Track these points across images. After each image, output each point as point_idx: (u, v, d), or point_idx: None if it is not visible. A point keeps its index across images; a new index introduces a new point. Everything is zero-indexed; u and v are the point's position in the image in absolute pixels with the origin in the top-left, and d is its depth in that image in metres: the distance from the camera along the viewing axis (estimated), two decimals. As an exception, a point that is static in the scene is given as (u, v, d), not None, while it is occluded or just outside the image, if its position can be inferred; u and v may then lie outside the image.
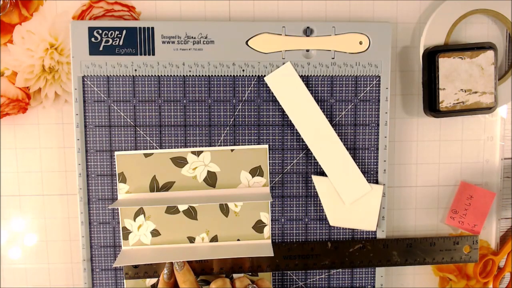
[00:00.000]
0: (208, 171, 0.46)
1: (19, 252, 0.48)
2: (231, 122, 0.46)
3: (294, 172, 0.47)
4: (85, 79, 0.45)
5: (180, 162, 0.46)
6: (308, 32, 0.45)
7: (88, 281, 0.46)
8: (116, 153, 0.46)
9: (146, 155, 0.46)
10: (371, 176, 0.47)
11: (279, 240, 0.47)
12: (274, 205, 0.47)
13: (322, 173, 0.47)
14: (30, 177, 0.47)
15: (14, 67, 0.45)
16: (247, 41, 0.45)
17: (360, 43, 0.45)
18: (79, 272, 0.48)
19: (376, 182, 0.47)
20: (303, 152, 0.47)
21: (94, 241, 0.46)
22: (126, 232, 0.46)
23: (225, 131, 0.46)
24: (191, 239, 0.47)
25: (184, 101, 0.46)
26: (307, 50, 0.45)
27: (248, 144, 0.46)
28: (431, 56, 0.46)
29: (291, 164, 0.47)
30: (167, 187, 0.46)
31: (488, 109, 0.47)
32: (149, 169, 0.46)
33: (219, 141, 0.46)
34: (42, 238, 0.48)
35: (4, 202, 0.48)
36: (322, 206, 0.47)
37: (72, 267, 0.49)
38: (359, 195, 0.46)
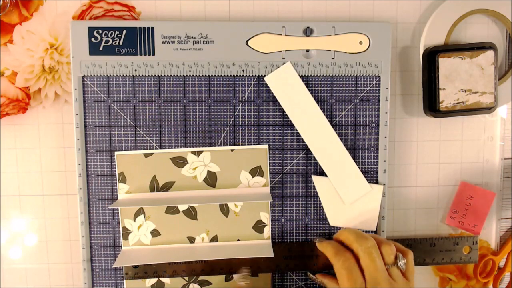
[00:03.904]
0: (208, 171, 0.46)
1: (19, 252, 0.48)
2: (231, 122, 0.46)
3: (294, 172, 0.47)
4: (85, 79, 0.45)
5: (180, 162, 0.46)
6: (308, 32, 0.45)
7: (88, 281, 0.46)
8: (116, 153, 0.46)
9: (146, 155, 0.46)
10: (371, 176, 0.47)
11: (279, 240, 0.47)
12: (274, 205, 0.47)
13: (322, 173, 0.47)
14: (30, 177, 0.47)
15: (14, 67, 0.45)
16: (247, 41, 0.45)
17: (360, 43, 0.45)
18: (79, 272, 0.48)
19: (376, 182, 0.47)
20: (303, 152, 0.47)
21: (94, 241, 0.46)
22: (126, 232, 0.46)
23: (225, 131, 0.46)
24: (191, 239, 0.47)
25: (184, 101, 0.46)
26: (307, 50, 0.45)
27: (248, 144, 0.46)
28: (431, 56, 0.46)
29: (291, 164, 0.47)
30: (167, 187, 0.46)
31: (488, 109, 0.47)
32: (149, 169, 0.46)
33: (219, 141, 0.46)
34: (42, 238, 0.48)
35: (4, 202, 0.48)
36: (322, 206, 0.47)
37: (72, 267, 0.49)
38: (359, 195, 0.46)
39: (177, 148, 0.46)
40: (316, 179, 0.47)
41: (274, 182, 0.47)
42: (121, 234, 0.46)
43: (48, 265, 0.48)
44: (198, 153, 0.46)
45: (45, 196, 0.48)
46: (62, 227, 0.48)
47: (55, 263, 0.48)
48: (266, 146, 0.46)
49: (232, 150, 0.46)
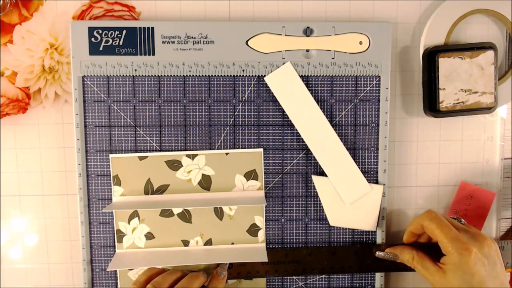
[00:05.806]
0: (203, 174, 0.46)
1: (19, 252, 0.48)
2: (231, 122, 0.46)
3: (294, 172, 0.47)
4: (85, 79, 0.45)
5: (174, 165, 0.46)
6: (308, 32, 0.45)
7: (88, 281, 0.46)
8: (110, 155, 0.45)
9: (141, 158, 0.46)
10: (371, 176, 0.47)
11: (279, 240, 0.47)
12: (274, 206, 0.47)
13: (322, 173, 0.47)
14: (30, 177, 0.47)
15: (14, 67, 0.45)
16: (247, 41, 0.45)
17: (360, 43, 0.45)
18: (79, 272, 0.48)
19: (376, 182, 0.47)
20: (303, 152, 0.47)
21: (94, 241, 0.46)
22: (120, 235, 0.46)
23: (225, 131, 0.46)
24: (186, 243, 0.47)
25: (184, 101, 0.46)
26: (307, 50, 0.45)
27: (248, 144, 0.46)
28: (431, 56, 0.46)
29: (291, 165, 0.47)
30: (162, 190, 0.46)
31: (488, 109, 0.47)
32: (143, 172, 0.46)
33: (219, 141, 0.46)
34: (42, 238, 0.48)
35: (4, 202, 0.48)
36: (322, 206, 0.47)
37: (72, 267, 0.49)
38: (359, 195, 0.46)
39: (177, 148, 0.46)
40: (316, 179, 0.47)
41: (274, 182, 0.47)
42: (115, 237, 0.46)
43: (48, 265, 0.48)
44: (193, 156, 0.46)
45: (45, 196, 0.48)
46: (62, 227, 0.48)
47: (55, 263, 0.48)
48: (261, 149, 0.46)
49: (227, 154, 0.46)
